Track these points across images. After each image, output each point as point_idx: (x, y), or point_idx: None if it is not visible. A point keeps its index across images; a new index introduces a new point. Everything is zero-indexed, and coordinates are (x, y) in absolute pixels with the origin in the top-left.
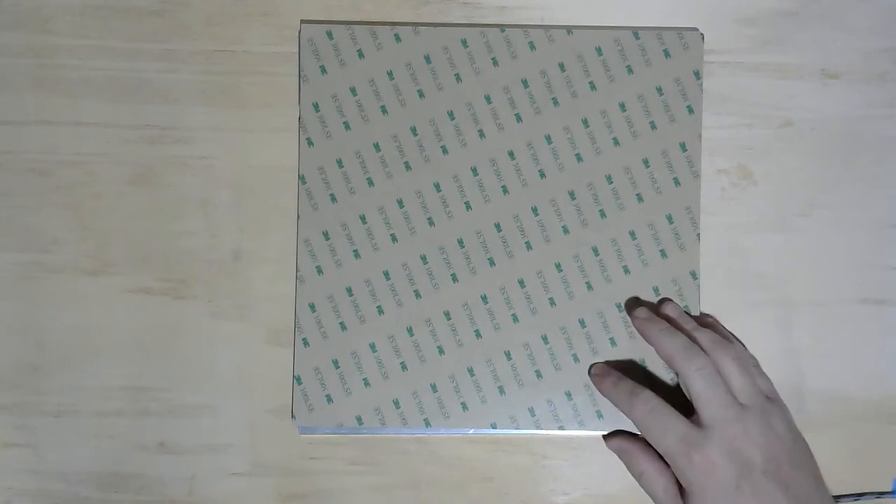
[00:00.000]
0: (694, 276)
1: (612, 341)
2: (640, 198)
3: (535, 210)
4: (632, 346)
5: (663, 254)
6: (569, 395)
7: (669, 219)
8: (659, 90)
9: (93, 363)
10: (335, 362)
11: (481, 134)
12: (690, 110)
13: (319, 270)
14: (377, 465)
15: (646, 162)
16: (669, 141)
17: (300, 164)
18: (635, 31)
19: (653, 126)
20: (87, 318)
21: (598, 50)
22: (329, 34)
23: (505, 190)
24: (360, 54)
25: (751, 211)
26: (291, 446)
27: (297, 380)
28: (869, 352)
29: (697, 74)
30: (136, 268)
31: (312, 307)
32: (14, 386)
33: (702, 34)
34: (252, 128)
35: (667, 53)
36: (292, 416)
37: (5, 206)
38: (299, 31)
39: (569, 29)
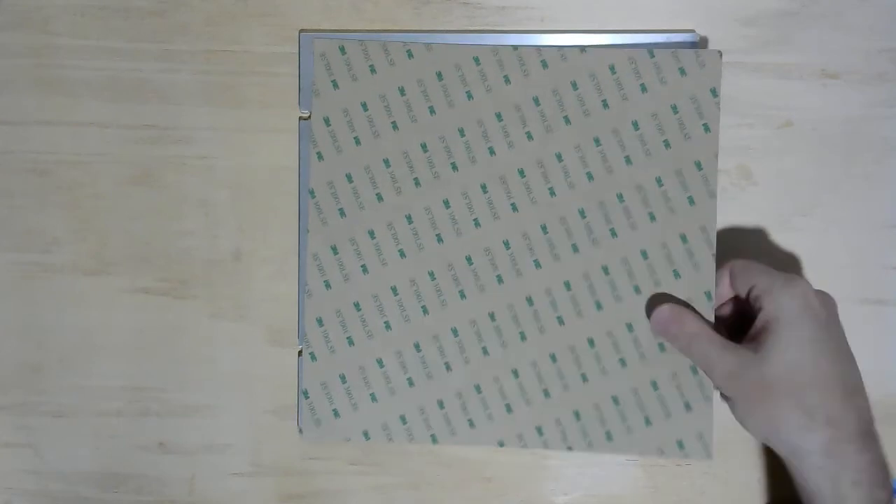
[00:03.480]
0: (709, 296)
1: (623, 362)
2: (652, 217)
3: (544, 228)
4: (642, 367)
5: (676, 274)
6: (577, 414)
7: (683, 238)
8: (674, 108)
9: (93, 363)
10: (342, 377)
11: (491, 151)
12: (707, 129)
13: (328, 285)
14: (377, 465)
15: (659, 181)
16: (684, 160)
17: (309, 178)
18: (650, 50)
19: (667, 144)
20: (87, 318)
21: (612, 68)
22: (342, 49)
23: (514, 207)
24: (373, 69)
25: (751, 211)
26: (291, 446)
27: (305, 394)
28: (869, 352)
29: (714, 92)
30: (136, 268)
31: (320, 321)
32: (14, 386)
33: (720, 52)
34: (252, 128)
35: (682, 72)
36: (300, 431)
37: (5, 206)
38: (299, 41)
39: (582, 48)
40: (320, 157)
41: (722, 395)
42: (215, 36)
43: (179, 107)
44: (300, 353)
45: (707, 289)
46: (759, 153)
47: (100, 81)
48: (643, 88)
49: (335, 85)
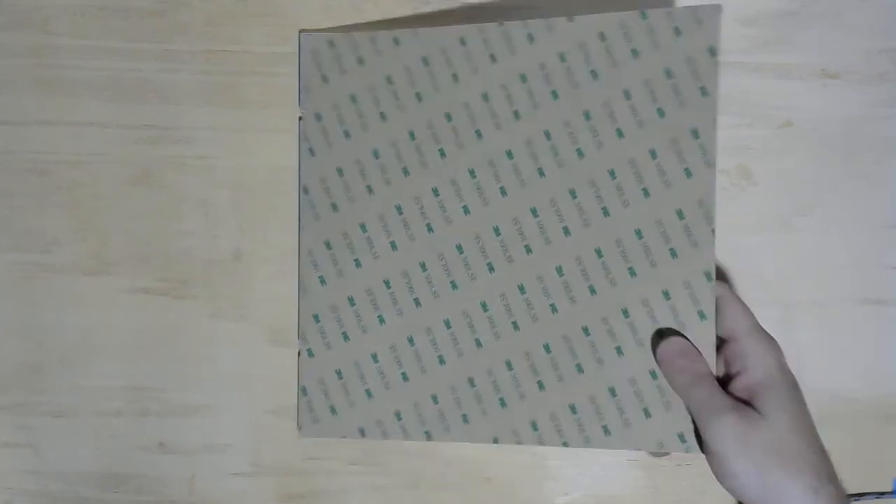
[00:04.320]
0: (708, 277)
1: (619, 350)
2: (646, 192)
3: (534, 211)
4: (639, 355)
5: (673, 253)
6: (573, 408)
7: (679, 214)
8: (668, 73)
9: (93, 363)
10: (338, 373)
11: (478, 134)
12: (704, 92)
13: (322, 280)
14: (377, 465)
15: (653, 153)
16: (680, 128)
17: (302, 175)
18: (642, 12)
19: (661, 113)
20: (87, 318)
21: (601, 36)
22: (331, 43)
23: (503, 191)
24: (360, 61)
25: (751, 211)
26: (291, 446)
27: (303, 391)
28: (869, 352)
29: (713, 51)
30: (136, 268)
31: (316, 318)
32: (14, 386)
33: (719, 5)
34: (252, 128)
35: (677, 31)
36: (298, 428)
37: (5, 206)
38: (299, 40)
39: (570, 16)
40: (312, 152)
41: (707, 452)
42: (215, 36)
43: (179, 107)
44: (300, 352)
45: (706, 269)
46: (759, 153)
47: (100, 81)
48: (634, 54)
49: (325, 80)
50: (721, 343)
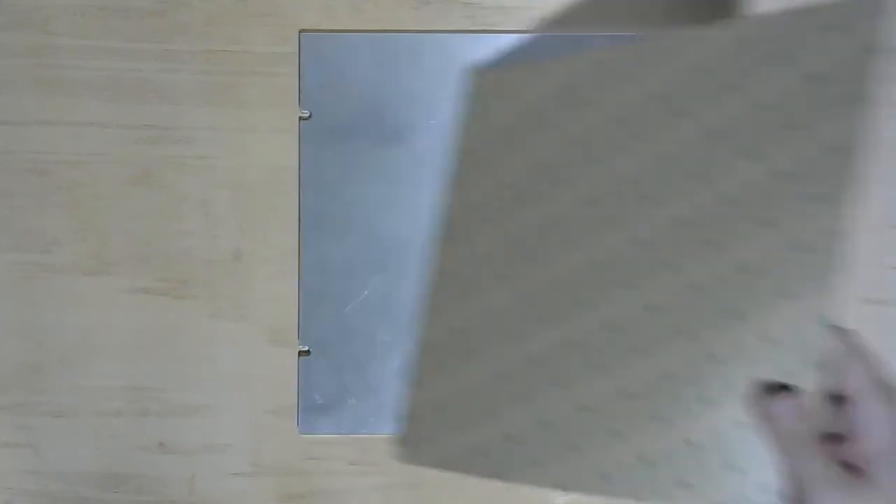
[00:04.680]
0: (826, 323)
1: (704, 399)
2: (766, 222)
3: (635, 242)
4: (730, 405)
5: (785, 293)
6: (645, 459)
7: (801, 247)
8: (812, 78)
9: (93, 363)
10: (441, 404)
11: (598, 161)
12: (855, 101)
13: (436, 310)
14: (377, 465)
15: (782, 175)
16: (820, 145)
17: (442, 205)
18: (791, 11)
19: (798, 127)
20: (87, 318)
21: (740, 41)
22: (487, 71)
23: (608, 222)
24: (511, 94)
25: None
26: (291, 446)
27: (409, 418)
28: None
29: (873, 50)
30: (136, 268)
31: (432, 345)
32: (14, 386)
33: None
34: (252, 128)
35: (830, 28)
36: (401, 449)
37: (5, 206)
38: (299, 40)
39: (709, 23)
40: (456, 184)
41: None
42: (215, 36)
43: (179, 107)
44: (300, 353)
45: (825, 313)
46: None
47: (100, 81)
48: (775, 59)
49: (483, 111)
50: (838, 397)
